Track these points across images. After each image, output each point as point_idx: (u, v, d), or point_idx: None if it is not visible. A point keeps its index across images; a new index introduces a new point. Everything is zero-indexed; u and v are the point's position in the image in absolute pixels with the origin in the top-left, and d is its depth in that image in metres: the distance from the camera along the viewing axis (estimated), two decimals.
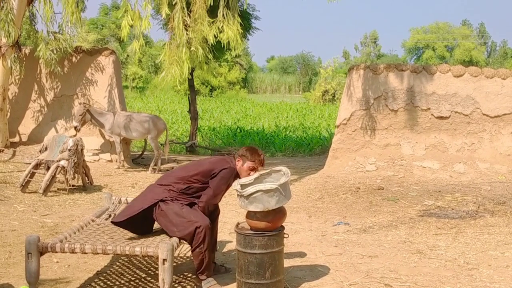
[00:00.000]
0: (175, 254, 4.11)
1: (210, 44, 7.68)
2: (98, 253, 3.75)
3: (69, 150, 7.42)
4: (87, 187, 7.87)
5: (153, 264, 4.58)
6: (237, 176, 4.07)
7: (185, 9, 7.46)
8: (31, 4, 9.80)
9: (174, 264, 4.13)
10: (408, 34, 64.14)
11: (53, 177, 7.31)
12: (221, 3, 7.45)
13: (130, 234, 4.03)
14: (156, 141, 9.64)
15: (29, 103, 10.24)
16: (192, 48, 7.50)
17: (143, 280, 4.25)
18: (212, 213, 4.32)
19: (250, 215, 3.86)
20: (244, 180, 3.89)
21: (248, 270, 3.81)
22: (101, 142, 9.97)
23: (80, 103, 9.37)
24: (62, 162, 7.36)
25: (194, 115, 12.70)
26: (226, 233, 5.59)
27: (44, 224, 5.88)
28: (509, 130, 8.97)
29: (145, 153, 10.98)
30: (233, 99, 34.24)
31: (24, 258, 3.71)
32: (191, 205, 4.02)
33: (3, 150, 9.48)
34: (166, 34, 10.86)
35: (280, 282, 3.89)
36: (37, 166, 7.55)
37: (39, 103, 10.23)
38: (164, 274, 3.59)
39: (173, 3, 7.45)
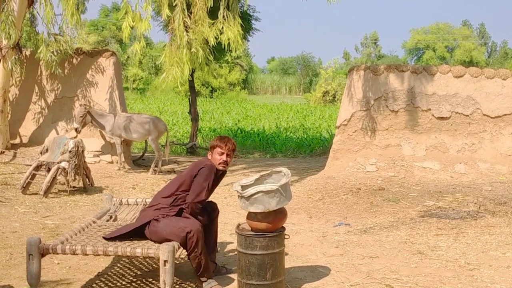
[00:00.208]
0: (176, 256, 4.11)
1: (210, 46, 7.68)
2: (99, 255, 3.76)
3: (70, 151, 7.43)
4: (88, 188, 7.88)
5: (154, 265, 4.58)
6: (217, 170, 4.13)
7: (186, 10, 7.46)
8: (31, 6, 9.79)
9: (176, 264, 4.13)
10: (409, 35, 64.33)
11: (54, 178, 7.33)
12: (222, 4, 7.45)
13: None
14: (157, 142, 9.64)
15: (30, 105, 10.24)
16: (193, 50, 7.50)
17: (144, 281, 4.25)
18: (211, 214, 4.33)
19: (250, 216, 3.87)
20: (244, 181, 3.90)
21: (249, 271, 3.82)
22: (102, 144, 9.97)
23: (80, 105, 9.36)
24: (63, 164, 7.37)
25: (194, 116, 12.70)
26: (227, 234, 5.60)
27: (45, 226, 5.89)
28: (509, 130, 8.96)
29: (145, 154, 10.98)
30: (233, 100, 34.27)
31: (25, 259, 3.73)
32: (180, 211, 4.06)
33: (3, 152, 9.48)
34: (166, 36, 10.88)
35: (281, 283, 3.89)
36: (38, 167, 7.56)
37: (40, 104, 10.23)
38: (165, 275, 3.59)
39: (174, 4, 7.45)
